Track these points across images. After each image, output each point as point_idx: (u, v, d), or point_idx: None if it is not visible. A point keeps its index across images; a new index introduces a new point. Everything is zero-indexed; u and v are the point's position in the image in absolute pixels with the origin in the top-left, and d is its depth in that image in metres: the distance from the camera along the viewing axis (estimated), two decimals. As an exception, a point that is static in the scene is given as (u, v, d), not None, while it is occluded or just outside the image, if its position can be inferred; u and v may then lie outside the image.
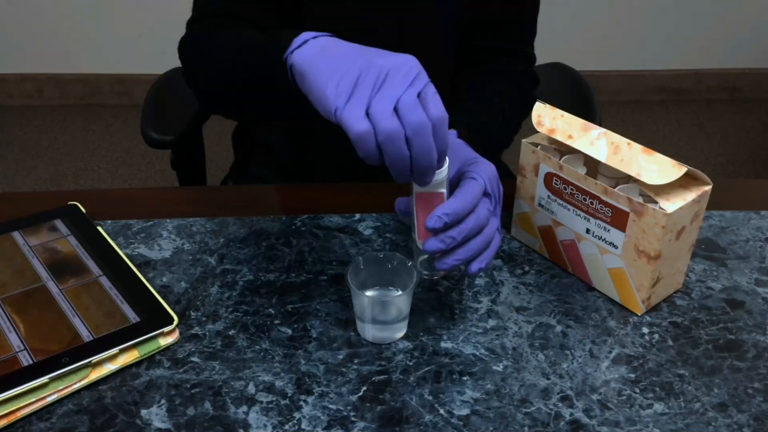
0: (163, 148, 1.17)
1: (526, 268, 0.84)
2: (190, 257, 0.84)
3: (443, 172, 0.67)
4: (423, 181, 0.64)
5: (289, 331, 0.75)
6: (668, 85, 2.76)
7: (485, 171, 0.72)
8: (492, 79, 1.01)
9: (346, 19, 0.93)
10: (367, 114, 0.60)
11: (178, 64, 1.30)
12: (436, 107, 0.61)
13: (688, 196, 0.73)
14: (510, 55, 1.03)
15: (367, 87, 0.60)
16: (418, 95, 0.61)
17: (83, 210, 0.89)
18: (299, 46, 0.67)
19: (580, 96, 1.27)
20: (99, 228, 0.86)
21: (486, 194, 0.71)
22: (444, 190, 0.69)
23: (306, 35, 0.68)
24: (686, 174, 0.72)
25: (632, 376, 0.71)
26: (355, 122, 0.59)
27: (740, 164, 2.45)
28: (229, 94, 0.82)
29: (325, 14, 0.93)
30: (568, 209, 0.80)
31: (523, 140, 0.82)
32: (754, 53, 2.72)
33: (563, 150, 0.81)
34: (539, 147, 0.81)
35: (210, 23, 0.88)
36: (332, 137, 0.91)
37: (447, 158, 0.67)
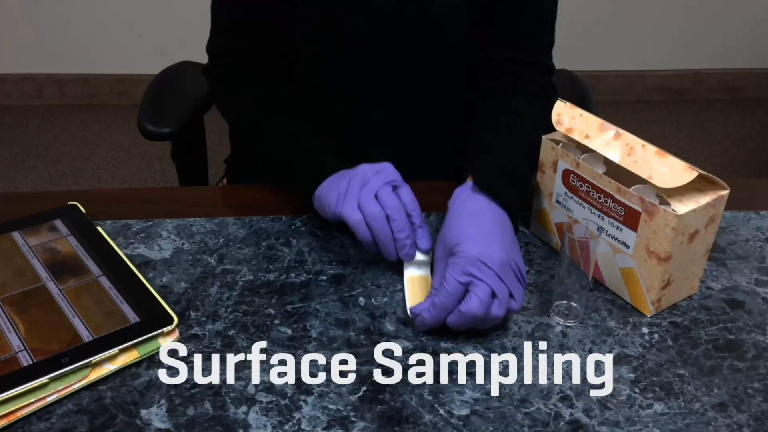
0: (159, 140, 1.17)
1: (526, 268, 0.84)
2: (190, 257, 0.84)
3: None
4: (406, 256, 0.78)
5: (289, 331, 0.75)
6: (668, 85, 2.76)
7: (489, 271, 0.71)
8: (514, 101, 0.96)
9: (343, 27, 0.93)
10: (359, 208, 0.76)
11: (177, 63, 1.31)
12: (409, 200, 0.78)
13: (702, 200, 0.72)
14: (528, 67, 0.99)
15: (354, 188, 0.78)
16: (394, 189, 0.78)
17: (83, 210, 0.89)
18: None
19: (578, 99, 1.26)
20: (99, 228, 0.86)
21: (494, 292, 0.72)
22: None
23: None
24: (704, 178, 0.72)
25: (632, 376, 0.71)
26: (350, 213, 0.77)
27: (740, 164, 2.45)
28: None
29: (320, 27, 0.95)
30: (584, 207, 0.80)
31: (544, 137, 0.82)
32: (754, 53, 2.71)
33: (584, 147, 0.80)
34: (560, 144, 0.81)
35: (232, 79, 0.99)
36: (332, 138, 0.91)
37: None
